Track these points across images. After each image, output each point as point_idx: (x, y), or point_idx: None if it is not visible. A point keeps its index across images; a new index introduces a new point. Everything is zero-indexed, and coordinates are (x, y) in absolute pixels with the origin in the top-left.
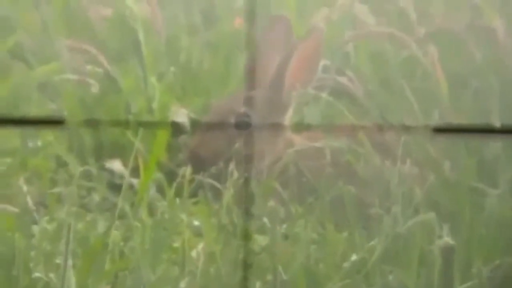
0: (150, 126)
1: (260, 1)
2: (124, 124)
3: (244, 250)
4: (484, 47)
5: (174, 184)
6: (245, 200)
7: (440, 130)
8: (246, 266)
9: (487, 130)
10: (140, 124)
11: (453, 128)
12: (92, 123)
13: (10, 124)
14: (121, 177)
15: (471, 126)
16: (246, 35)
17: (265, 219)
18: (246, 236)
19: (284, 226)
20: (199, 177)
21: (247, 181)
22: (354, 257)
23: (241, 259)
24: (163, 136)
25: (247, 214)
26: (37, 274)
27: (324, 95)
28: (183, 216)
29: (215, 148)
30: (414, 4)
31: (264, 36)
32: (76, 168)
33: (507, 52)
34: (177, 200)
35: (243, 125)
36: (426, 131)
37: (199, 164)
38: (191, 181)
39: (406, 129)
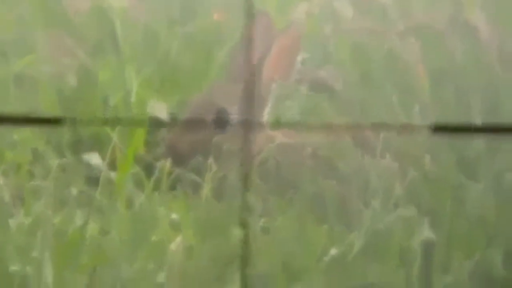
0: (128, 121)
1: None
2: (102, 120)
3: (225, 243)
4: (466, 43)
5: (153, 178)
6: (242, 193)
7: (440, 130)
8: (227, 259)
9: (487, 130)
10: (118, 119)
11: (453, 128)
12: (69, 121)
13: None
14: (99, 170)
15: (464, 126)
16: (243, 30)
17: (244, 213)
18: (232, 230)
19: (263, 220)
20: (177, 170)
21: (227, 176)
22: (333, 251)
23: (220, 254)
24: (141, 129)
25: (233, 207)
26: (13, 268)
27: (303, 89)
28: (161, 210)
29: (194, 142)
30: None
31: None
32: (53, 161)
33: (488, 48)
34: (156, 193)
35: (221, 122)
36: (425, 130)
37: (178, 158)
38: (170, 174)
39: (405, 128)
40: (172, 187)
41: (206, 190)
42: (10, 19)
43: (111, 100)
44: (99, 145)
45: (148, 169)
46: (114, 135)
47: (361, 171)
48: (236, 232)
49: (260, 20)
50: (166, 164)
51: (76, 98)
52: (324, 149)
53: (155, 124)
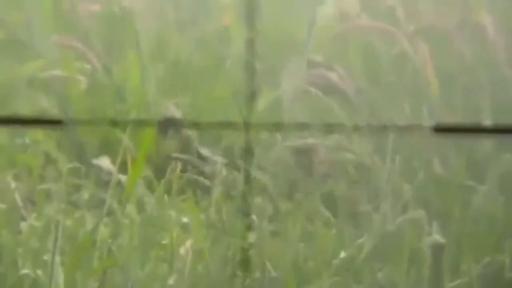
0: (139, 123)
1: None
2: (112, 122)
3: (235, 247)
4: (474, 44)
5: (163, 181)
6: (242, 197)
7: (441, 130)
8: (237, 262)
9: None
10: (129, 121)
11: (453, 128)
12: (82, 123)
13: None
14: (110, 173)
15: (471, 126)
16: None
17: (253, 216)
18: (242, 233)
19: (273, 222)
20: (188, 174)
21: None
22: (343, 254)
23: (230, 257)
24: (151, 132)
25: (243, 211)
26: (25, 271)
27: (313, 91)
28: (172, 213)
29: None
30: (403, 1)
31: None
32: (65, 165)
33: (497, 49)
34: (166, 196)
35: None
36: (426, 131)
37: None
38: (180, 177)
39: (406, 129)
40: (182, 191)
41: (216, 193)
42: (22, 22)
43: (122, 103)
44: (110, 148)
45: (159, 172)
46: (125, 138)
47: (370, 173)
48: (246, 235)
49: None
50: (176, 166)
51: (87, 102)
52: (334, 151)
53: (166, 125)
